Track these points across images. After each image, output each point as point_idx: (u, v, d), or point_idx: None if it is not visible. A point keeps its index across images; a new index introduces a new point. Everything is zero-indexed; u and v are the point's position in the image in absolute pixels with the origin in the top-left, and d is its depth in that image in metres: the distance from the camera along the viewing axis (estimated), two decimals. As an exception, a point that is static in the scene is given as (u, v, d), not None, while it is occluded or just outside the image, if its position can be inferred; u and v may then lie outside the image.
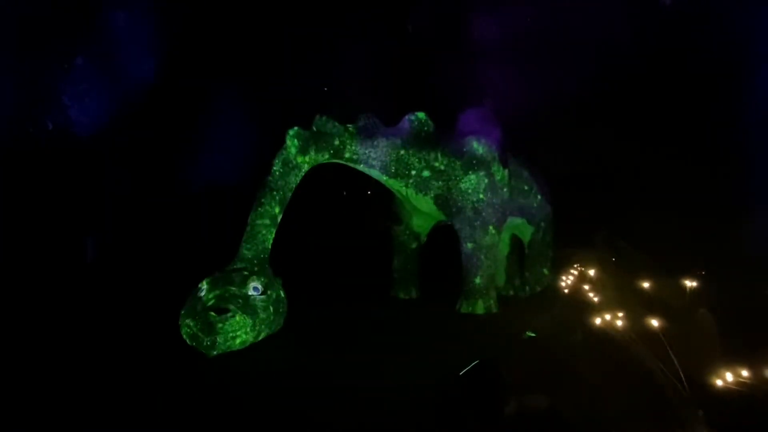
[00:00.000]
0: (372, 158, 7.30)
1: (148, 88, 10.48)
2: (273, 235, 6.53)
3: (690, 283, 6.69)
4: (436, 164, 7.59)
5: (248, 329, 5.66)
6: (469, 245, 7.61)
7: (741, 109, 9.73)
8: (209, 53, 11.20)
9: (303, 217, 8.35)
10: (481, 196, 7.59)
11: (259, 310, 5.83)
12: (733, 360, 4.57)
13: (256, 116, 10.45)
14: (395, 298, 8.71)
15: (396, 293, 8.78)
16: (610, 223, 9.83)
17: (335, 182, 11.22)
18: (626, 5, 10.62)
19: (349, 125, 7.26)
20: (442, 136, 7.81)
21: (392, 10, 12.13)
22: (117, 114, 10.50)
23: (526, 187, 8.49)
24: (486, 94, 9.15)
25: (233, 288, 5.79)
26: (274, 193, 6.60)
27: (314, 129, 6.99)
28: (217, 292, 5.73)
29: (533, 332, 6.45)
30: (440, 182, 7.60)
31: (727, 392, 4.34)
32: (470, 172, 7.59)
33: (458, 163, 7.62)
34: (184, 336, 5.58)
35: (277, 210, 6.58)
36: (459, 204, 7.60)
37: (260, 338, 5.92)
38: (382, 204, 8.97)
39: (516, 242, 9.13)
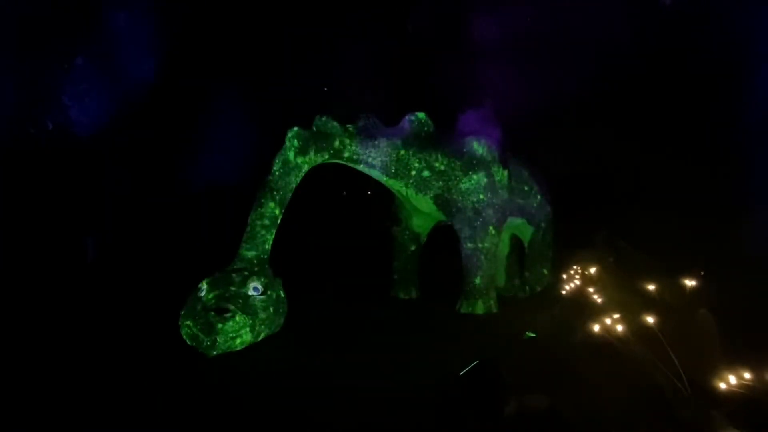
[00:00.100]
0: (372, 158, 7.30)
1: (148, 88, 10.49)
2: (273, 236, 6.53)
3: (690, 283, 6.68)
4: (436, 164, 7.59)
5: (248, 329, 5.67)
6: (469, 245, 7.62)
7: (741, 109, 9.71)
8: (209, 53, 11.20)
9: (303, 217, 8.34)
10: (481, 196, 7.59)
11: (259, 311, 5.84)
12: (733, 360, 4.56)
13: (256, 116, 10.46)
14: (395, 298, 8.71)
15: (396, 293, 8.79)
16: (610, 223, 9.80)
17: (335, 182, 11.21)
18: (626, 5, 10.62)
19: (349, 125, 7.26)
20: (442, 137, 7.82)
21: (392, 10, 12.14)
22: (117, 114, 10.51)
23: (526, 188, 8.50)
24: (486, 94, 9.15)
25: (233, 288, 5.80)
26: (274, 193, 6.59)
27: (314, 129, 6.99)
28: (217, 292, 5.74)
29: (533, 332, 6.45)
30: (440, 182, 7.61)
31: (727, 392, 4.33)
32: (470, 173, 7.60)
33: (458, 163, 7.63)
34: (184, 336, 5.60)
35: (277, 210, 6.58)
36: (459, 204, 7.61)
37: (260, 338, 5.93)
38: (382, 204, 8.99)
39: (516, 242, 9.13)
